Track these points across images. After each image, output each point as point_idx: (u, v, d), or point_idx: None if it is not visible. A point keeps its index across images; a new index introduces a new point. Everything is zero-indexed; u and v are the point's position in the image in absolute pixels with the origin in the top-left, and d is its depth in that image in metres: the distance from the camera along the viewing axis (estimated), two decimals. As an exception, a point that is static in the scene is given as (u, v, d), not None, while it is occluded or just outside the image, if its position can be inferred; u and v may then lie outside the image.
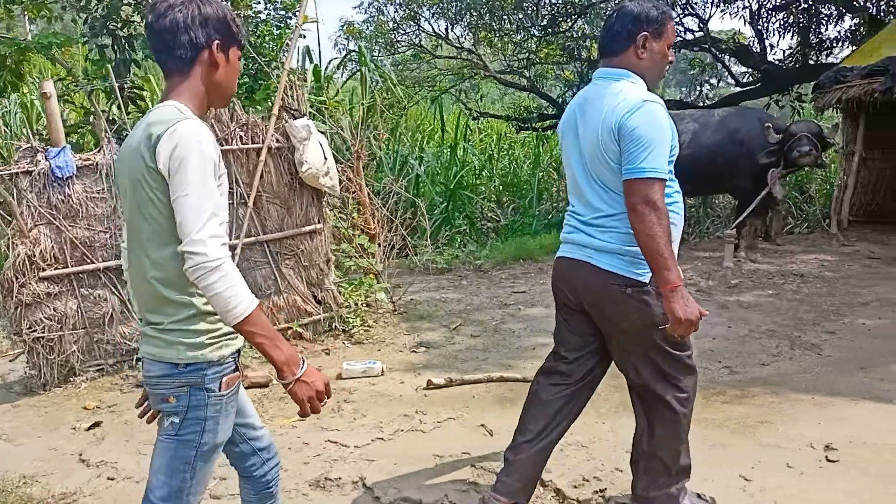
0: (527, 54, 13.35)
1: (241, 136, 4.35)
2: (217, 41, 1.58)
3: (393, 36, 14.26)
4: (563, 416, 2.38)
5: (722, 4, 10.78)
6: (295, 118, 4.48)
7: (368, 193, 5.67)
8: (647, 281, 2.16)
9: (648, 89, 2.21)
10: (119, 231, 4.00)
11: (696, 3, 10.95)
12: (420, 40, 14.80)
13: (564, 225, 2.37)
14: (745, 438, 3.13)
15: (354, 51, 11.21)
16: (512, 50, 13.44)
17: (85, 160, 4.01)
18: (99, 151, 4.10)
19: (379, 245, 6.03)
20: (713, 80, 12.96)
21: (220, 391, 1.57)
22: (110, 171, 3.95)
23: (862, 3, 10.20)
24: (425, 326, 4.97)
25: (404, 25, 14.39)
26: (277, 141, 4.47)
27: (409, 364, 4.24)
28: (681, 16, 10.95)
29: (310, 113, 5.36)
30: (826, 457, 2.91)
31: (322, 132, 5.34)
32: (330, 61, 9.97)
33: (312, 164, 4.39)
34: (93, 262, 4.01)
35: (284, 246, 4.57)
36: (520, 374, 3.95)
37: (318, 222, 4.68)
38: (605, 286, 2.19)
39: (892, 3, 10.08)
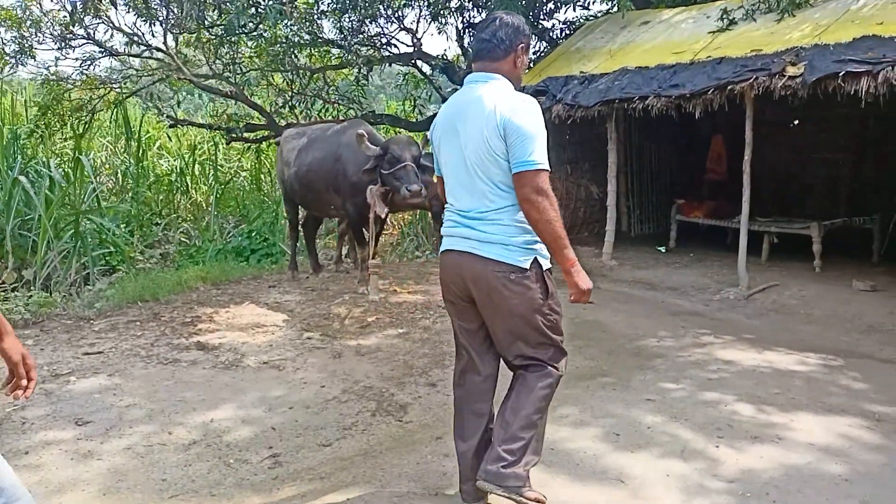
0: (230, 57, 12.06)
1: None
2: None
3: (69, 27, 11.86)
4: (489, 409, 2.55)
5: (433, 21, 10.53)
6: None
7: None
8: (527, 268, 2.32)
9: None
10: None
11: (408, 21, 10.68)
12: (110, 35, 12.60)
13: (445, 221, 2.49)
14: None
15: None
16: (213, 52, 12.00)
17: None
18: None
19: None
20: (424, 95, 12.69)
21: None
22: None
23: (543, 28, 10.63)
24: None
25: (83, 16, 12.08)
26: None
27: None
28: (394, 32, 10.72)
29: None
30: None
31: None
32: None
33: None
34: None
35: None
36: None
37: None
38: (491, 274, 2.32)
39: (564, 31, 10.73)
